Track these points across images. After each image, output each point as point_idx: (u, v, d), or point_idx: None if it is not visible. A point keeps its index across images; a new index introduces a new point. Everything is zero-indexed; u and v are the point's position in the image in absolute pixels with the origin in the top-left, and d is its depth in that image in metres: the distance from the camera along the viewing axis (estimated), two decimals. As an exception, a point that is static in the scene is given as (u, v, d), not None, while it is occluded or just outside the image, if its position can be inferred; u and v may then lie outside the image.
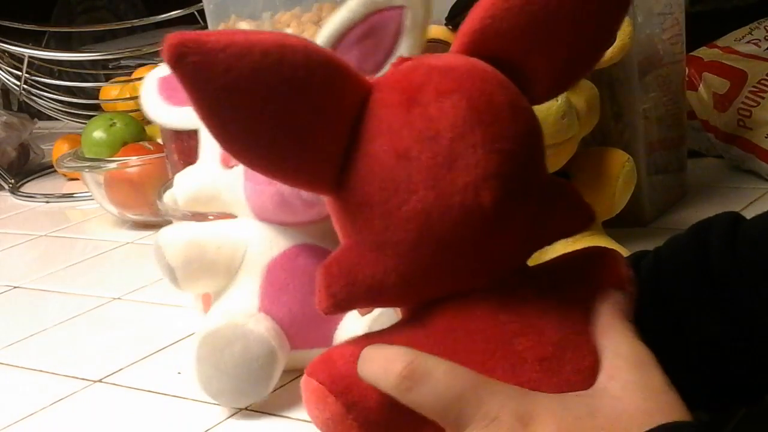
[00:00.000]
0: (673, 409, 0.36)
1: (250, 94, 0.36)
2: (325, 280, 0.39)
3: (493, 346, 0.38)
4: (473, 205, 0.37)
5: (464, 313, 0.39)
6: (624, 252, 0.63)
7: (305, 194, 0.58)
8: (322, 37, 0.67)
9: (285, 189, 0.58)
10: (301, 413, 0.58)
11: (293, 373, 0.59)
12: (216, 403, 0.60)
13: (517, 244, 0.40)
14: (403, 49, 0.69)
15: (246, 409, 0.59)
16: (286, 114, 0.36)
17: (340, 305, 0.39)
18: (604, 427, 0.35)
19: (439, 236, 0.37)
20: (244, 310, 0.60)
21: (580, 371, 0.38)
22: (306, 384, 0.39)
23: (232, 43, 0.35)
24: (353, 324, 0.60)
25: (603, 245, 0.63)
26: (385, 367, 0.37)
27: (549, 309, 0.39)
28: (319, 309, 0.39)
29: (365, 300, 0.39)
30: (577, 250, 0.43)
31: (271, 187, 0.59)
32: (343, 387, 0.38)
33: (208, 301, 0.72)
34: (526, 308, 0.39)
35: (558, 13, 0.39)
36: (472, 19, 0.40)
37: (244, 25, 0.86)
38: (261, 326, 0.58)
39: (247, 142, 0.37)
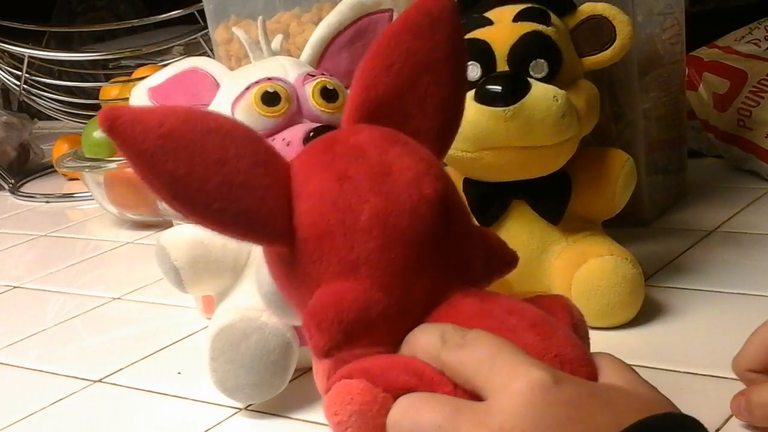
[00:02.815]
0: (673, 406, 0.37)
1: (186, 139, 0.39)
2: (314, 320, 0.40)
3: (491, 322, 0.40)
4: (420, 198, 0.41)
5: (453, 308, 0.41)
6: (625, 252, 0.63)
7: None
8: (312, 40, 0.68)
9: None
10: (303, 413, 0.58)
11: (296, 372, 0.59)
12: (225, 403, 0.60)
13: (465, 241, 0.43)
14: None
15: (246, 409, 0.59)
16: (226, 156, 0.40)
17: (337, 341, 0.39)
18: (621, 401, 0.37)
19: (400, 234, 0.40)
20: (253, 306, 0.60)
21: (570, 342, 0.40)
22: (327, 396, 0.39)
23: (158, 108, 0.41)
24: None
25: (602, 246, 0.64)
26: (441, 334, 0.39)
27: (525, 305, 0.42)
28: (315, 354, 0.40)
29: (358, 325, 0.40)
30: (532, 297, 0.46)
31: None
32: (379, 371, 0.39)
33: (207, 301, 0.72)
34: (504, 301, 0.42)
35: (416, 68, 0.44)
36: (353, 94, 0.44)
37: (243, 26, 0.87)
38: (274, 319, 0.58)
39: (195, 189, 0.39)
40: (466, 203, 0.45)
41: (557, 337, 0.39)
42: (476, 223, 0.46)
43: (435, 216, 0.41)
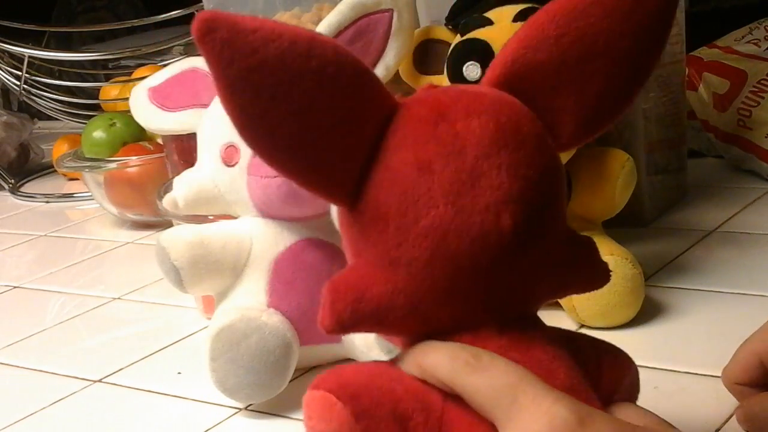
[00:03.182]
0: None
1: (273, 79, 0.35)
2: (331, 296, 0.37)
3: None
4: (492, 227, 0.36)
5: (476, 342, 0.38)
6: (625, 253, 0.63)
7: None
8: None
9: None
10: (302, 413, 0.58)
11: (296, 372, 0.59)
12: (225, 403, 0.60)
13: (530, 283, 0.38)
14: (392, 50, 0.69)
15: (246, 409, 0.59)
16: (309, 108, 0.35)
17: (344, 325, 0.37)
18: None
19: (453, 256, 0.36)
20: (253, 305, 0.60)
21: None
22: (309, 396, 0.37)
23: (262, 27, 0.34)
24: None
25: (602, 246, 0.63)
26: (451, 354, 0.37)
27: (559, 356, 0.38)
28: (320, 327, 0.38)
29: (370, 321, 0.37)
30: (595, 339, 0.42)
31: (277, 179, 0.58)
32: (351, 393, 0.36)
33: (207, 301, 0.72)
34: (536, 351, 0.38)
35: (591, 48, 0.38)
36: (506, 51, 0.39)
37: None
38: (274, 318, 0.58)
39: (264, 131, 0.36)
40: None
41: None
42: (573, 231, 0.40)
43: (503, 250, 0.36)
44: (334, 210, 0.49)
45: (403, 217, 0.36)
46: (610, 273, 0.41)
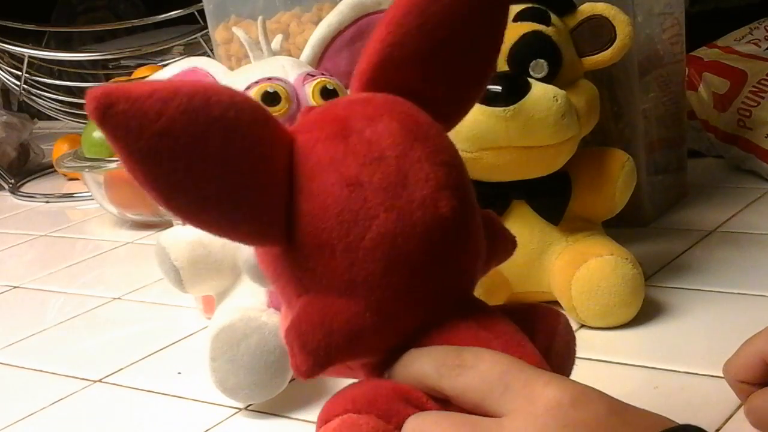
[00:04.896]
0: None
1: (183, 137, 0.33)
2: (299, 340, 0.37)
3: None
4: (434, 217, 0.37)
5: (447, 335, 0.38)
6: (625, 253, 0.63)
7: None
8: (311, 40, 0.68)
9: None
10: (303, 413, 0.58)
11: (293, 373, 0.59)
12: (225, 403, 0.60)
13: (474, 262, 0.39)
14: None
15: (246, 409, 0.59)
16: (223, 158, 0.35)
17: (320, 363, 0.37)
18: (638, 417, 0.35)
19: (406, 256, 0.36)
20: (253, 305, 0.60)
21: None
22: (327, 428, 0.37)
23: (156, 89, 0.34)
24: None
25: (602, 246, 0.63)
26: (435, 360, 0.37)
27: (516, 327, 0.39)
28: (297, 375, 0.37)
29: (345, 350, 0.37)
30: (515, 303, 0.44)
31: None
32: (366, 403, 0.37)
33: (207, 301, 0.72)
34: (500, 325, 0.39)
35: (449, 31, 0.39)
36: (369, 54, 0.40)
37: (243, 26, 0.87)
38: (274, 318, 0.58)
39: (187, 194, 0.35)
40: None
41: None
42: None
43: (448, 238, 0.37)
44: (249, 265, 0.50)
45: (346, 238, 0.36)
46: (516, 240, 0.43)
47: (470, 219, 0.39)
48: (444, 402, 0.37)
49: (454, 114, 0.42)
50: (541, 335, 0.41)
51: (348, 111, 0.38)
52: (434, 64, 0.40)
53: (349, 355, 0.38)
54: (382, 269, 0.36)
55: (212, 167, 0.35)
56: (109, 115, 0.33)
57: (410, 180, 0.37)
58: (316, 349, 0.36)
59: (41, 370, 0.71)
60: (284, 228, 0.37)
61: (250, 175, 0.36)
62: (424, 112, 0.39)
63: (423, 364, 0.37)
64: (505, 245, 0.43)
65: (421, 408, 0.37)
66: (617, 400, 0.36)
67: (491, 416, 0.36)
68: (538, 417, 0.34)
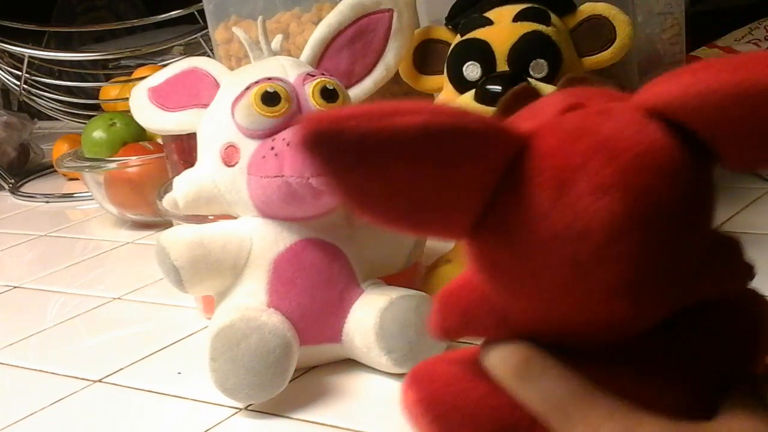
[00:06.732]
0: None
1: (396, 157, 0.32)
2: (442, 310, 0.37)
3: None
4: (607, 314, 0.34)
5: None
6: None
7: (314, 182, 0.58)
8: (311, 40, 0.68)
9: (292, 179, 0.58)
10: (303, 413, 0.58)
11: (296, 372, 0.59)
12: (225, 403, 0.60)
13: (660, 314, 0.36)
14: (392, 50, 0.69)
15: (246, 409, 0.59)
16: (432, 167, 0.33)
17: (450, 337, 0.38)
18: None
19: (571, 316, 0.35)
20: (253, 305, 0.60)
21: None
22: (404, 394, 0.38)
23: (365, 111, 0.32)
24: (362, 316, 0.60)
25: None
26: (502, 357, 0.36)
27: (675, 374, 0.37)
28: (427, 330, 0.38)
29: (476, 334, 0.38)
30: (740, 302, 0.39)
31: (277, 179, 0.58)
32: (438, 414, 0.37)
33: (207, 301, 0.72)
34: (654, 367, 0.37)
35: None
36: (674, 85, 0.35)
37: (243, 26, 0.87)
38: (274, 318, 0.58)
39: (379, 205, 0.34)
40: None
41: None
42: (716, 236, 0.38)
43: (621, 327, 0.35)
44: None
45: (517, 271, 0.35)
46: (754, 271, 0.38)
47: (660, 306, 0.35)
48: None
49: (740, 167, 0.36)
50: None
51: (585, 159, 0.34)
52: (737, 129, 0.34)
53: (480, 337, 0.38)
54: (554, 296, 0.34)
55: (419, 178, 0.33)
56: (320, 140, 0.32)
57: (600, 270, 0.33)
58: (449, 328, 0.37)
59: (41, 370, 0.71)
60: (472, 228, 0.35)
61: (453, 187, 0.34)
62: (686, 173, 0.34)
63: (494, 360, 0.37)
64: (739, 277, 0.38)
65: None
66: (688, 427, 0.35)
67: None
68: None
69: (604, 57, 0.66)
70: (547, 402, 0.35)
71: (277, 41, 0.68)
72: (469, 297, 0.37)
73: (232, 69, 0.67)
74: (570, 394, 0.35)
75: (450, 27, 0.71)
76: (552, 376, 0.35)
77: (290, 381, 0.58)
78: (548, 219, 0.33)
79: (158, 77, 0.69)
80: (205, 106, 0.65)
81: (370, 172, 0.32)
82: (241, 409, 0.59)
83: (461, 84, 0.65)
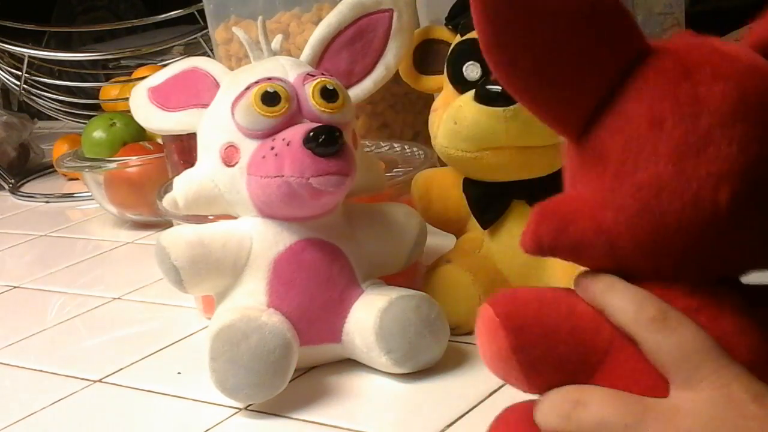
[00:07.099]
0: None
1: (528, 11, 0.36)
2: (537, 219, 0.38)
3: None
4: (708, 198, 0.35)
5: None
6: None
7: (314, 182, 0.58)
8: (311, 40, 0.68)
9: (292, 179, 0.58)
10: (303, 413, 0.58)
11: (296, 372, 0.59)
12: (225, 403, 0.60)
13: (738, 254, 0.38)
14: (392, 50, 0.69)
15: (246, 409, 0.59)
16: (559, 43, 0.36)
17: (543, 250, 0.38)
18: None
19: (662, 214, 0.36)
20: (253, 305, 0.60)
21: None
22: (483, 311, 0.39)
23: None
24: (362, 316, 0.60)
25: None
26: (637, 304, 0.37)
27: (746, 329, 0.38)
28: (521, 245, 0.39)
29: (567, 252, 0.38)
30: None
31: (277, 179, 0.58)
32: (516, 326, 0.38)
33: (207, 301, 0.72)
34: (724, 320, 0.38)
35: None
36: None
37: (243, 26, 0.87)
38: (274, 318, 0.58)
39: (509, 57, 0.38)
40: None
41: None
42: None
43: (714, 221, 0.36)
44: None
45: (622, 165, 0.37)
46: None
47: (752, 218, 0.36)
48: None
49: None
50: None
51: (704, 59, 0.37)
52: None
53: (569, 257, 0.39)
54: (636, 210, 0.36)
55: (543, 48, 0.37)
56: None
57: (709, 151, 0.35)
58: (543, 236, 0.38)
59: (41, 370, 0.71)
60: (582, 126, 0.38)
61: (576, 70, 0.37)
62: None
63: (624, 302, 0.38)
64: None
65: (563, 360, 0.38)
66: None
67: (670, 380, 0.36)
68: (717, 405, 0.35)
69: (604, 57, 0.66)
70: (680, 353, 0.36)
71: (277, 41, 0.68)
72: (566, 209, 0.38)
73: (232, 69, 0.67)
74: (705, 349, 0.36)
75: (450, 27, 0.71)
76: (690, 330, 0.36)
77: (290, 381, 0.58)
78: (664, 102, 0.36)
79: (158, 77, 0.69)
80: (205, 106, 0.65)
81: (530, 23, 0.36)
82: (241, 409, 0.59)
83: (461, 84, 0.65)
